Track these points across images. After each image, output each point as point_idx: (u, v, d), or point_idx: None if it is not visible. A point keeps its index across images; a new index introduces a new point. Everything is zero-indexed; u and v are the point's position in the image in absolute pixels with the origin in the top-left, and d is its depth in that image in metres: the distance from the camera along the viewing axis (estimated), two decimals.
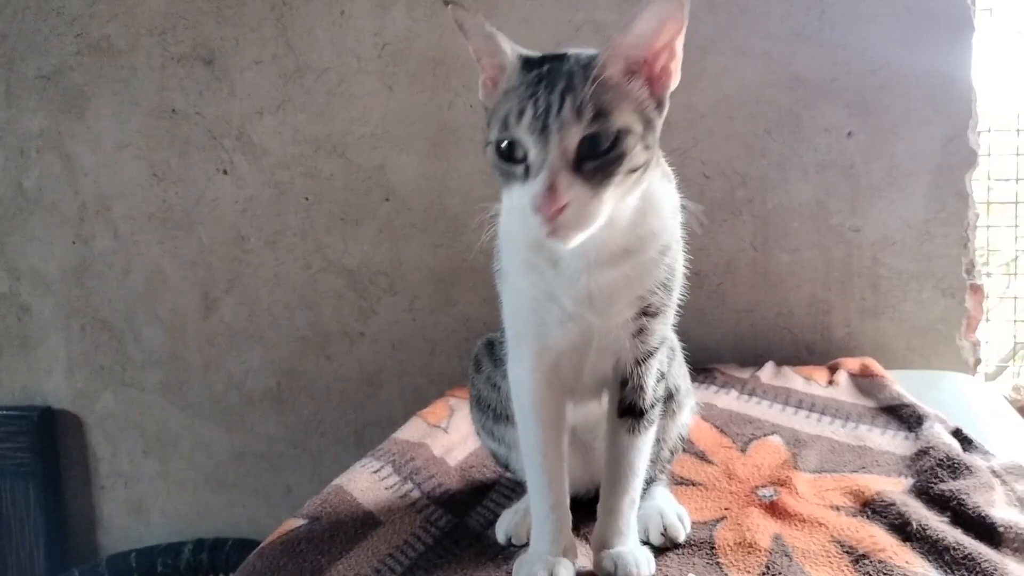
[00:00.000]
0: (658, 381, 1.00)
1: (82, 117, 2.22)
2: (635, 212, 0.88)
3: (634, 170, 0.82)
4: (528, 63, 0.86)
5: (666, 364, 1.03)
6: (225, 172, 2.16)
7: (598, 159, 0.79)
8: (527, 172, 0.81)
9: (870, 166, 1.87)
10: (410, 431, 1.53)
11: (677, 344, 1.12)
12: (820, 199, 1.90)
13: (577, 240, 0.81)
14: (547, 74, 0.82)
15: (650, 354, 0.97)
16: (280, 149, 2.13)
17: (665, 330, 0.99)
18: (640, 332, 0.95)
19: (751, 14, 1.88)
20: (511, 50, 0.88)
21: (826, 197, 1.89)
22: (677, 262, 0.96)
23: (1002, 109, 2.04)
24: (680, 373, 1.13)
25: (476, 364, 1.16)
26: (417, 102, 2.04)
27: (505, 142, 0.82)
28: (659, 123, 0.86)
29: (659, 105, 0.86)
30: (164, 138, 2.18)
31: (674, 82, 0.86)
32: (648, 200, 0.90)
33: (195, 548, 2.18)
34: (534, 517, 0.98)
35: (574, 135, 0.79)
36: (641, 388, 0.97)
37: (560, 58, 0.85)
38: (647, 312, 0.94)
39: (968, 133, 1.82)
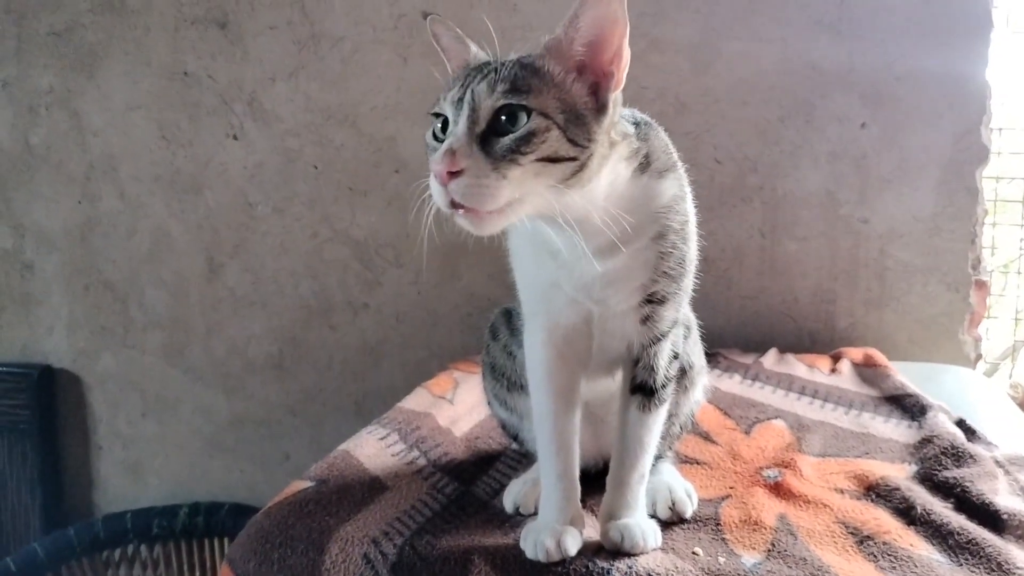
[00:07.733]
0: (671, 361, 1.00)
1: (92, 76, 2.20)
2: (616, 207, 0.87)
3: (553, 160, 0.81)
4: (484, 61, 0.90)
5: (680, 344, 1.03)
6: (235, 137, 2.15)
7: (504, 136, 0.81)
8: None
9: (881, 158, 1.87)
10: (415, 401, 1.53)
11: (694, 321, 1.13)
12: (830, 189, 1.90)
13: (486, 225, 0.81)
14: (488, 63, 0.87)
15: (659, 339, 0.98)
16: (291, 117, 2.12)
17: (676, 315, 0.99)
18: (648, 318, 0.96)
19: (770, 0, 1.87)
20: (476, 50, 0.93)
21: (836, 187, 1.89)
22: (683, 250, 0.96)
23: (1015, 107, 2.03)
24: (695, 350, 1.13)
25: (493, 332, 1.16)
26: (432, 75, 2.02)
27: (437, 120, 0.87)
28: (598, 124, 0.85)
29: (600, 107, 0.85)
30: (175, 100, 2.17)
31: (617, 85, 0.85)
32: (629, 196, 0.90)
33: (191, 511, 2.19)
34: (543, 486, 0.99)
35: (485, 108, 0.81)
36: (652, 368, 0.98)
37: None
38: (652, 300, 0.95)
39: (981, 129, 1.82)
